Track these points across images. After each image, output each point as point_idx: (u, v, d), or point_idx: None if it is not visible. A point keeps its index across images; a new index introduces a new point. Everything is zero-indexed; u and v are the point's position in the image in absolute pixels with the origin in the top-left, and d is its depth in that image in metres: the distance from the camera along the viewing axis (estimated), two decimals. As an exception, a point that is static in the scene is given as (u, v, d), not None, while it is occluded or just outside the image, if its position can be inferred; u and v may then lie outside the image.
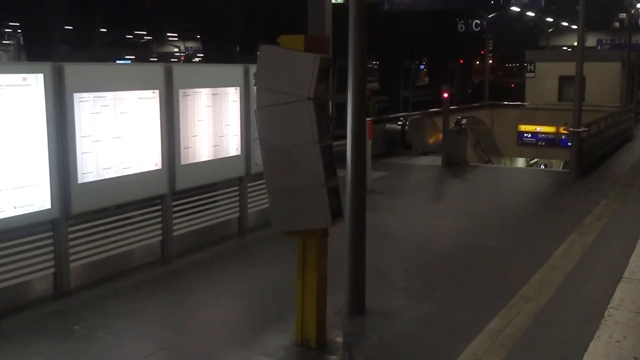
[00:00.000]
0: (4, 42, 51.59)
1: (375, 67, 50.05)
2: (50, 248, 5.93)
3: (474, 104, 27.33)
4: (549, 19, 50.87)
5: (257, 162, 7.87)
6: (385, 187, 11.73)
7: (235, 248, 7.92)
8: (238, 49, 29.63)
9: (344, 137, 5.57)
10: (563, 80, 25.65)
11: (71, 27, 28.00)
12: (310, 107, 4.55)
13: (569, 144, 14.18)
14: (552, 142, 24.61)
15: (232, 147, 7.94)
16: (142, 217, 6.89)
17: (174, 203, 7.18)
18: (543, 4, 26.82)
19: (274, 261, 7.16)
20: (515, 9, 31.65)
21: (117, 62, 37.74)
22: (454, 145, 14.33)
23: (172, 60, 58.82)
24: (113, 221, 6.53)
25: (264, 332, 5.33)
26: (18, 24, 35.26)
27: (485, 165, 18.61)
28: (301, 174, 4.66)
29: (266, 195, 4.92)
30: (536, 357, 4.94)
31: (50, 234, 5.92)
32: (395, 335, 5.30)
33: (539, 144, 25.13)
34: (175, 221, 7.21)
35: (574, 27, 44.21)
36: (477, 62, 60.75)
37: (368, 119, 9.23)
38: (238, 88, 7.92)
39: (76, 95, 5.94)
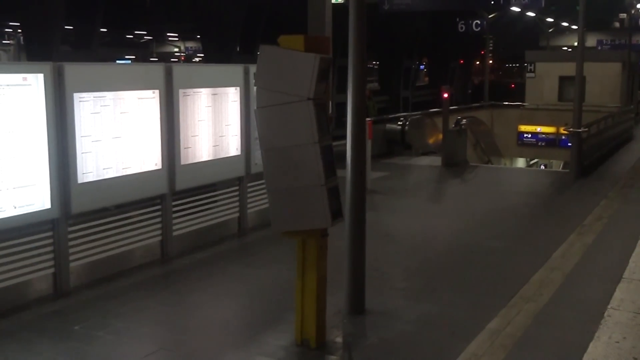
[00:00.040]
0: (4, 42, 51.60)
1: (375, 67, 50.05)
2: (50, 248, 5.93)
3: (474, 104, 27.31)
4: (549, 19, 50.85)
5: (257, 162, 7.87)
6: (385, 187, 11.73)
7: (235, 248, 7.92)
8: (238, 49, 29.65)
9: (344, 137, 5.57)
10: (563, 80, 25.66)
11: (71, 27, 27.98)
12: (310, 107, 4.55)
13: (569, 144, 14.19)
14: (552, 142, 24.61)
15: (232, 147, 7.94)
16: (142, 217, 6.89)
17: (173, 203, 7.19)
18: (543, 4, 26.80)
19: (273, 261, 7.16)
20: (516, 9, 31.61)
21: (117, 62, 37.76)
22: (453, 145, 14.33)
23: (172, 60, 58.81)
24: (113, 221, 6.53)
25: (263, 332, 5.33)
26: (18, 24, 35.26)
27: (485, 165, 18.62)
28: (301, 174, 4.66)
29: (266, 195, 4.91)
30: (536, 357, 4.94)
31: (50, 233, 5.92)
32: (395, 335, 5.30)
33: (539, 144, 25.14)
34: (175, 221, 7.21)
35: (574, 27, 44.20)
36: (477, 62, 60.74)
37: (368, 119, 9.24)
38: (238, 88, 7.92)
39: (76, 95, 5.94)
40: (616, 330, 5.20)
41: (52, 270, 5.96)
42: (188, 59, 61.13)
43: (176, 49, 65.52)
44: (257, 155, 7.52)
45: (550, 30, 52.00)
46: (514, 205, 10.79)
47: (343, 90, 6.09)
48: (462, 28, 35.61)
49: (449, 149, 14.19)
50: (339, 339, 5.25)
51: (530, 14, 41.68)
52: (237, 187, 8.12)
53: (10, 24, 44.62)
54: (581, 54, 13.60)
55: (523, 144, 25.36)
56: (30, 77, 5.59)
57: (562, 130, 20.32)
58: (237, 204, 8.13)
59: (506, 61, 69.01)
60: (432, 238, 8.44)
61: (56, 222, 5.93)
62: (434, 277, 6.82)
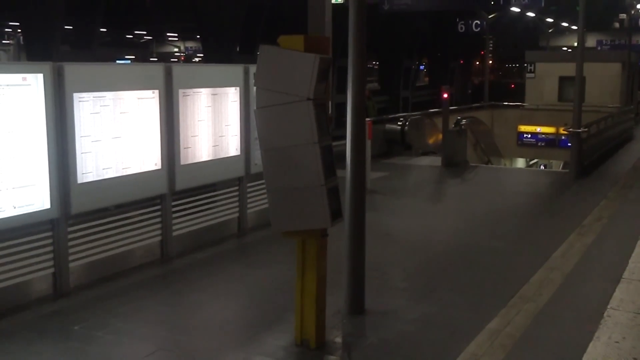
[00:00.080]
0: (3, 41, 51.60)
1: (375, 67, 50.07)
2: (50, 248, 5.93)
3: (473, 105, 27.33)
4: (549, 20, 50.89)
5: (257, 163, 7.87)
6: (385, 187, 11.73)
7: (234, 248, 7.92)
8: (238, 49, 29.64)
9: (344, 137, 5.57)
10: (563, 80, 25.66)
11: (71, 27, 27.99)
12: (310, 108, 4.55)
13: (569, 144, 14.19)
14: (551, 142, 24.61)
15: (232, 147, 7.94)
16: (142, 217, 6.89)
17: (173, 203, 7.18)
18: (543, 5, 26.81)
19: (273, 261, 7.16)
20: (515, 9, 31.64)
21: (117, 62, 37.76)
22: (453, 145, 14.33)
23: (172, 60, 58.82)
24: (113, 221, 6.53)
25: (263, 332, 5.33)
26: (18, 24, 35.25)
27: (485, 165, 18.62)
28: (301, 174, 4.66)
29: (266, 196, 4.91)
30: (535, 357, 4.94)
31: (49, 233, 5.92)
32: (395, 335, 5.30)
33: (539, 144, 25.14)
34: (174, 221, 7.21)
35: (574, 27, 44.21)
36: (477, 63, 60.78)
37: (368, 119, 9.24)
38: (238, 88, 7.92)
39: (76, 95, 5.94)
40: (616, 330, 5.20)
41: (51, 270, 5.96)
42: (188, 59, 61.15)
43: (176, 49, 65.56)
44: (257, 156, 7.52)
45: (550, 31, 52.02)
46: (514, 206, 10.80)
47: (343, 91, 6.09)
48: (462, 28, 35.64)
49: (449, 149, 14.20)
50: (339, 339, 5.25)
51: (530, 14, 41.71)
52: (236, 187, 8.12)
53: (10, 23, 44.62)
54: (581, 54, 13.60)
55: (523, 144, 25.37)
56: (29, 77, 5.59)
57: (562, 131, 20.33)
58: (236, 204, 8.13)
59: (506, 61, 69.06)
60: (431, 238, 8.44)
61: (56, 222, 5.93)
62: (434, 277, 6.82)
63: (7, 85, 5.40)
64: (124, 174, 6.48)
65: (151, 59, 58.62)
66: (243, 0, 28.18)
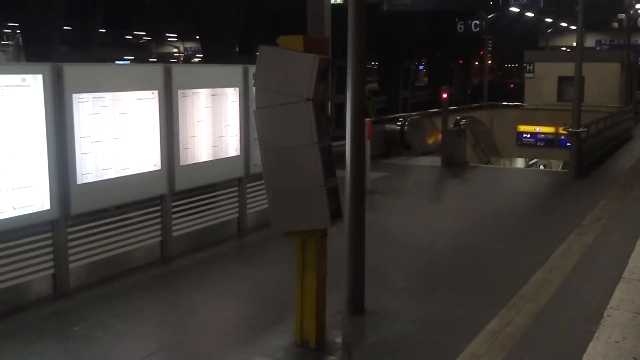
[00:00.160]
0: (3, 42, 51.57)
1: (375, 67, 50.09)
2: (50, 249, 5.93)
3: (473, 105, 27.33)
4: (548, 20, 50.90)
5: (257, 163, 7.87)
6: (385, 187, 11.73)
7: (234, 248, 7.92)
8: (237, 50, 29.65)
9: (344, 137, 5.58)
10: (562, 80, 25.67)
11: (70, 28, 27.98)
12: (310, 108, 4.55)
13: (568, 144, 14.19)
14: (551, 142, 24.61)
15: (232, 147, 7.94)
16: (142, 218, 6.88)
17: (173, 204, 7.19)
18: (542, 5, 26.81)
19: (273, 262, 7.16)
20: (515, 9, 31.64)
21: (116, 62, 37.76)
22: (453, 145, 14.34)
23: (171, 60, 58.82)
24: (112, 222, 6.53)
25: (263, 332, 5.33)
26: (17, 25, 35.23)
27: (485, 165, 18.62)
28: (300, 174, 4.66)
29: (265, 196, 4.92)
30: (535, 357, 4.94)
31: (49, 234, 5.92)
32: (395, 335, 5.30)
33: (538, 144, 25.14)
34: (174, 222, 7.22)
35: (573, 27, 44.24)
36: (477, 63, 60.79)
37: (367, 119, 9.24)
38: (237, 88, 7.92)
39: (75, 96, 5.94)
40: (616, 330, 5.20)
41: (51, 271, 5.96)
42: (187, 60, 61.13)
43: (175, 50, 65.54)
44: (257, 156, 7.51)
45: (549, 31, 52.04)
46: (514, 206, 10.80)
47: (342, 91, 6.09)
48: (461, 28, 35.67)
49: (449, 149, 14.20)
50: (339, 340, 5.26)
51: (529, 14, 41.72)
52: (236, 188, 8.13)
53: (9, 24, 44.60)
54: (580, 54, 13.61)
55: (522, 144, 25.37)
56: (29, 78, 5.59)
57: (561, 131, 20.33)
58: (236, 204, 8.14)
59: (505, 61, 69.06)
60: (431, 238, 8.43)
61: (56, 223, 5.93)
62: (434, 277, 6.82)
63: (7, 86, 5.40)
64: (124, 174, 6.48)
65: (150, 60, 58.60)
66: (242, 0, 28.19)
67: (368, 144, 10.15)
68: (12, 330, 5.32)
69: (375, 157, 13.27)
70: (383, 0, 23.15)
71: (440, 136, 15.19)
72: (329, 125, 4.86)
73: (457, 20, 36.17)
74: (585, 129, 13.66)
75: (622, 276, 6.51)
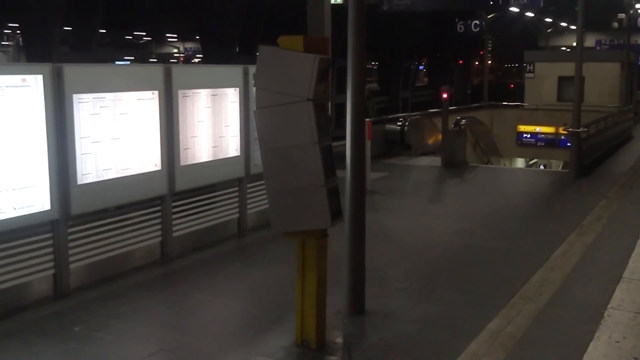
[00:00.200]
0: (3, 43, 51.58)
1: (375, 67, 50.11)
2: (50, 249, 5.93)
3: (473, 105, 27.32)
4: (548, 20, 50.91)
5: (257, 163, 7.87)
6: (385, 187, 11.73)
7: (235, 249, 7.92)
8: (237, 50, 29.66)
9: (344, 137, 5.57)
10: (562, 80, 25.67)
11: (70, 28, 27.99)
12: (310, 108, 4.55)
13: (568, 144, 14.19)
14: (551, 142, 24.62)
15: (232, 148, 7.94)
16: (142, 218, 6.88)
17: (173, 204, 7.19)
18: (542, 5, 26.81)
19: (273, 262, 7.16)
20: (515, 9, 31.65)
21: (117, 63, 37.76)
22: (453, 145, 14.34)
23: (171, 61, 58.82)
24: (113, 222, 6.53)
25: (263, 332, 5.33)
26: (17, 25, 35.25)
27: (485, 165, 18.62)
28: (301, 174, 4.66)
29: (266, 196, 4.92)
30: (536, 357, 4.94)
31: (50, 235, 5.92)
32: (396, 335, 5.30)
33: (538, 144, 25.14)
34: (175, 222, 7.21)
35: (573, 27, 44.24)
36: (477, 63, 60.80)
37: (367, 119, 9.24)
38: (237, 89, 7.92)
39: (75, 97, 5.94)
40: (616, 330, 5.20)
41: (52, 271, 5.96)
42: (187, 60, 61.14)
43: (175, 50, 65.54)
44: (257, 156, 7.51)
45: (549, 31, 52.07)
46: (514, 206, 10.80)
47: (342, 91, 6.09)
48: (461, 29, 35.64)
49: (449, 150, 14.20)
50: (339, 340, 5.26)
51: (529, 14, 41.73)
52: (236, 188, 8.12)
53: (10, 25, 44.61)
54: (580, 54, 13.61)
55: (522, 144, 25.37)
56: (29, 78, 5.59)
57: (561, 131, 20.34)
58: (236, 204, 8.14)
59: (505, 61, 69.05)
60: (431, 238, 8.44)
61: (56, 224, 5.93)
62: (434, 277, 6.82)
63: (7, 86, 5.40)
64: (124, 175, 6.47)
65: (151, 60, 58.61)
66: (243, 0, 28.19)
67: (368, 144, 10.15)
68: (12, 330, 5.32)
69: (376, 157, 13.26)
70: (383, 0, 23.14)
71: (440, 136, 15.19)
72: (329, 126, 4.86)
73: (457, 20, 36.17)
74: (586, 129, 13.66)
75: (623, 276, 6.51)
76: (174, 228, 7.20)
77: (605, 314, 5.51)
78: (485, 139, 22.37)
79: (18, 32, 38.62)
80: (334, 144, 4.91)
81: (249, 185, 8.25)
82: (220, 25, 28.13)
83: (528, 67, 27.43)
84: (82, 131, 6.02)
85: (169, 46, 65.22)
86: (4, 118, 5.39)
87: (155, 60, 58.36)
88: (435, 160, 14.77)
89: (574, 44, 16.80)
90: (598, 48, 47.63)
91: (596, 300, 5.95)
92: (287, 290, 5.60)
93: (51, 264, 5.94)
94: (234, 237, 8.14)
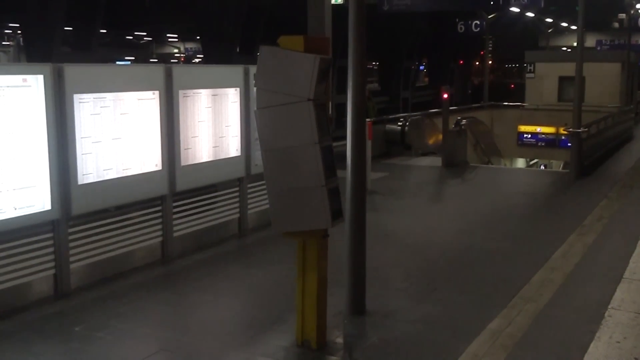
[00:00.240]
0: (3, 43, 51.58)
1: (375, 67, 50.10)
2: (51, 249, 5.94)
3: (473, 105, 27.34)
4: (549, 20, 50.90)
5: (257, 163, 7.87)
6: (385, 187, 11.73)
7: (235, 249, 7.92)
8: (238, 50, 29.65)
9: (344, 137, 5.58)
10: (563, 80, 25.68)
11: (71, 28, 27.98)
12: (310, 108, 4.55)
13: (569, 144, 14.19)
14: (552, 142, 24.62)
15: (232, 148, 7.94)
16: (143, 218, 6.89)
17: (174, 204, 7.19)
18: (542, 5, 26.80)
19: (274, 262, 7.16)
20: (515, 9, 31.64)
21: (117, 63, 37.76)
22: (453, 145, 14.34)
23: (172, 61, 58.81)
24: (113, 222, 6.53)
25: (264, 333, 5.33)
26: (18, 25, 35.26)
27: (485, 165, 18.62)
28: (301, 174, 4.66)
29: (266, 196, 4.92)
30: (536, 357, 4.94)
31: (50, 235, 5.92)
32: (396, 335, 5.30)
33: (539, 144, 25.14)
34: (175, 222, 7.22)
35: (574, 27, 44.20)
36: (477, 63, 60.78)
37: (368, 119, 9.24)
38: (238, 89, 7.93)
39: (76, 97, 5.94)
40: (617, 330, 5.20)
41: (52, 271, 5.97)
42: (188, 60, 61.14)
43: (176, 50, 65.52)
44: (257, 156, 7.52)
45: (549, 31, 52.06)
46: (514, 206, 10.79)
47: (343, 91, 6.09)
48: (461, 29, 35.64)
49: (449, 150, 14.20)
50: (340, 340, 5.25)
51: (530, 14, 41.71)
52: (237, 188, 8.13)
53: (10, 25, 44.61)
54: (581, 54, 13.60)
55: (523, 145, 25.37)
56: (30, 78, 5.59)
57: (561, 131, 20.32)
58: (237, 204, 8.14)
59: (506, 61, 69.03)
60: (432, 238, 8.43)
61: (56, 224, 5.93)
62: (435, 277, 6.82)
63: (8, 86, 5.40)
64: (125, 175, 6.48)
65: (151, 60, 58.61)
66: (243, 0, 28.19)
67: (369, 144, 10.16)
68: (12, 330, 5.32)
69: (376, 157, 13.26)
70: (383, 0, 23.13)
71: (440, 136, 15.19)
72: (329, 126, 4.86)
73: (457, 20, 36.16)
74: (586, 129, 13.66)
75: (623, 276, 6.51)
76: (175, 228, 7.20)
77: (606, 314, 5.51)
78: (486, 139, 22.37)
79: (19, 32, 38.62)
80: (335, 144, 4.91)
81: (249, 186, 8.25)
82: (221, 26, 28.12)
83: (528, 67, 27.45)
84: (83, 131, 6.02)
85: (170, 46, 65.20)
86: (5, 118, 5.39)
87: (156, 60, 58.37)
88: (436, 161, 14.77)
89: (575, 44, 16.78)
90: (599, 48, 47.59)
91: (597, 300, 5.95)
92: (288, 290, 5.60)
93: (52, 264, 5.94)
94: (234, 237, 8.14)
